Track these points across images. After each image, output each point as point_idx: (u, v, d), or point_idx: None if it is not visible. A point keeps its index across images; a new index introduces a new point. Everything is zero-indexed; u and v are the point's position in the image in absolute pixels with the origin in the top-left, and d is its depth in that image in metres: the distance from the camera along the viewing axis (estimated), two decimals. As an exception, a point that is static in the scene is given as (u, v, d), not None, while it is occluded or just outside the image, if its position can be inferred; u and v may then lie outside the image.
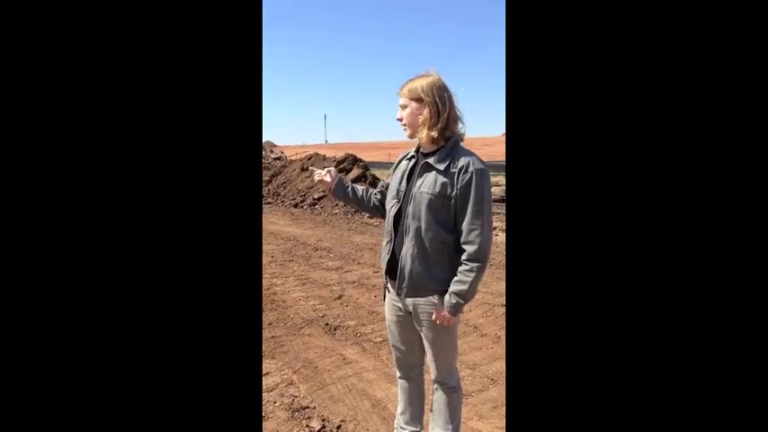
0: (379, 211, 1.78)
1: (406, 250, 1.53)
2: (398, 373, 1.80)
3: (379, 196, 1.79)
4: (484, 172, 1.46)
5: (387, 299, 1.72)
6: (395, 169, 1.68)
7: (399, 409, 1.82)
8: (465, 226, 1.45)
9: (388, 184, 1.76)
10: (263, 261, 5.49)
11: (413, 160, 1.61)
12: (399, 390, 1.81)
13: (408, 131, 1.56)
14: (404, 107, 1.54)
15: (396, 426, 1.85)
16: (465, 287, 1.45)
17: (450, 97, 1.49)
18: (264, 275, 4.81)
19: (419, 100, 1.49)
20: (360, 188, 1.80)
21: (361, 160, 12.12)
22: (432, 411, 1.75)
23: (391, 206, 1.61)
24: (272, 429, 2.08)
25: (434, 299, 1.52)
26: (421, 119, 1.50)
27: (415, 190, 1.52)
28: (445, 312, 1.50)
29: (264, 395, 2.38)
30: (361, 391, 2.43)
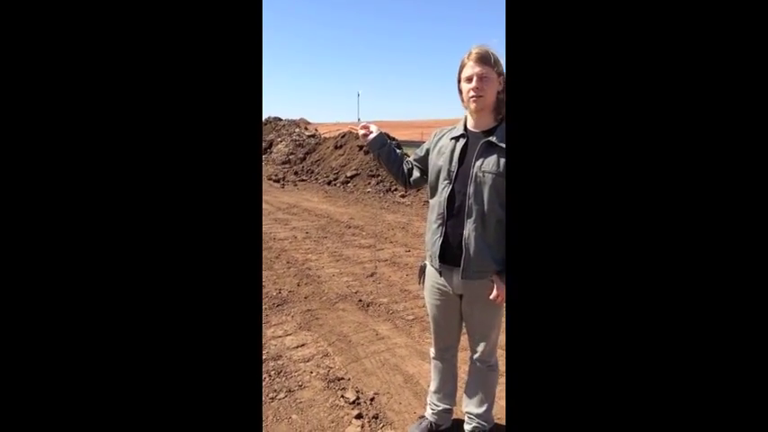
0: (405, 179, 1.76)
1: (468, 232, 1.49)
2: (433, 353, 1.82)
3: (409, 165, 1.76)
4: None
5: (428, 282, 1.69)
6: (434, 148, 1.62)
7: (432, 387, 1.86)
8: None
9: (417, 160, 1.73)
10: (299, 236, 5.62)
11: (462, 140, 1.54)
12: (433, 369, 1.84)
13: (479, 106, 1.46)
14: (483, 77, 1.43)
15: (429, 402, 1.89)
16: None
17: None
18: (299, 251, 4.94)
19: (500, 73, 1.44)
20: (397, 150, 1.78)
21: (393, 138, 12.07)
22: (466, 388, 1.78)
23: (443, 188, 1.55)
24: (309, 398, 2.17)
25: (492, 278, 1.51)
26: (495, 93, 1.45)
27: (474, 170, 1.47)
28: (504, 290, 1.48)
29: (301, 365, 2.49)
30: (393, 366, 2.49)
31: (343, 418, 2.02)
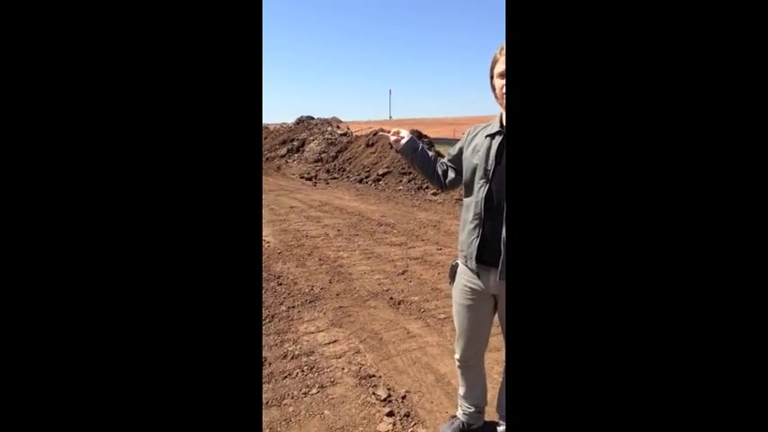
0: (441, 181, 1.72)
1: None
2: (459, 358, 1.75)
3: (444, 167, 1.72)
4: None
5: (460, 282, 1.65)
6: (468, 146, 1.59)
7: (461, 392, 1.83)
8: None
9: (451, 160, 1.69)
10: (330, 234, 5.68)
11: (498, 137, 1.49)
12: (461, 375, 1.80)
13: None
14: None
15: (460, 404, 1.87)
16: None
17: None
18: (331, 248, 4.99)
19: None
20: (429, 152, 1.74)
21: (425, 136, 12.01)
22: (501, 389, 1.76)
23: (479, 186, 1.51)
24: (341, 394, 2.19)
25: None
26: None
27: None
28: None
29: (333, 361, 2.51)
30: (425, 365, 2.48)
31: (374, 415, 2.03)
